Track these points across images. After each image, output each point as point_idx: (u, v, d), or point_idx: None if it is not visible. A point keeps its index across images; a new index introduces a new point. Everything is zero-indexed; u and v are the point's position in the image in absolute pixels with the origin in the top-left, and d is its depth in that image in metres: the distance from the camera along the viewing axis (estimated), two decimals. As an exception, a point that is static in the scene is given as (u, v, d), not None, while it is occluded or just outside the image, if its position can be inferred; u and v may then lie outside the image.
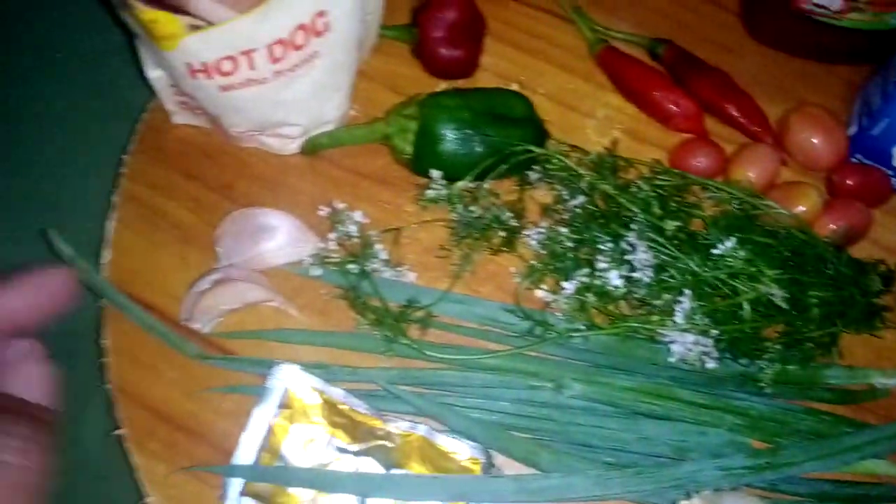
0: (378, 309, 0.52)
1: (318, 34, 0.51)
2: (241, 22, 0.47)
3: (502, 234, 0.56)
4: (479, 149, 0.55)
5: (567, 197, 0.57)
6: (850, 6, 0.60)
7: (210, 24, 0.46)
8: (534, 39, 0.68)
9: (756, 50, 0.68)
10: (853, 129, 0.60)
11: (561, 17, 0.68)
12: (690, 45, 0.67)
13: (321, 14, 0.51)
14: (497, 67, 0.66)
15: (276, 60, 0.50)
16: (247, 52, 0.49)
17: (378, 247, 0.54)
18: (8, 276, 0.34)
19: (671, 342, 0.50)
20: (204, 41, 0.47)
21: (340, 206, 0.54)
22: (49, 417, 0.32)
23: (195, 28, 0.46)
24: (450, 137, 0.55)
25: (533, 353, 0.53)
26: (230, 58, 0.49)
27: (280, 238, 0.55)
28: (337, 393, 0.50)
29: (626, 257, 0.51)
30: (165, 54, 0.48)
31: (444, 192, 0.54)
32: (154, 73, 0.55)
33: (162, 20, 0.45)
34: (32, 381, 0.33)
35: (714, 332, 0.49)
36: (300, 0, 0.49)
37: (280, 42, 0.50)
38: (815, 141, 0.60)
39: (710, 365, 0.48)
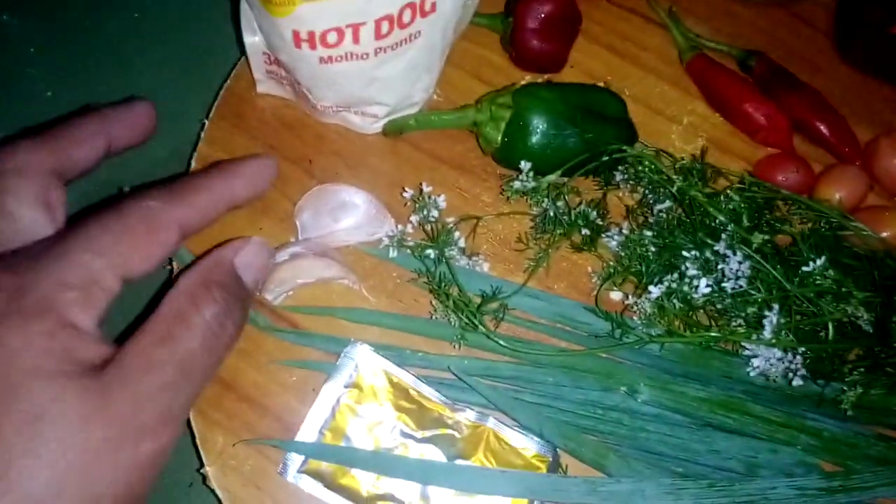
0: (456, 297, 0.51)
1: (425, 14, 0.51)
2: (356, -7, 0.46)
3: (585, 232, 0.55)
4: (571, 144, 0.55)
5: (653, 201, 0.56)
6: (951, 35, 0.59)
7: (326, -7, 0.46)
8: (624, 41, 0.67)
9: (845, 72, 0.67)
10: (943, 160, 0.59)
11: (652, 21, 0.67)
12: (780, 61, 0.66)
13: (432, -8, 0.50)
14: (585, 65, 0.65)
15: (380, 37, 0.50)
16: (355, 26, 0.49)
17: (456, 234, 0.54)
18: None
19: (753, 356, 0.49)
20: (318, 10, 0.46)
21: (427, 188, 0.53)
22: (250, 300, 0.39)
23: (311, -4, 0.46)
24: (543, 130, 0.54)
25: (605, 356, 0.53)
26: (338, 29, 0.49)
27: (359, 216, 0.55)
28: (407, 377, 0.49)
29: (719, 266, 0.50)
30: (276, 20, 0.47)
31: (531, 184, 0.54)
32: (251, 39, 0.54)
33: (281, -13, 0.45)
34: (252, 266, 0.39)
35: (800, 349, 0.48)
36: None
37: (388, 18, 0.49)
38: (904, 167, 0.59)
39: (797, 382, 0.48)
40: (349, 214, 0.55)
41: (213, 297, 0.35)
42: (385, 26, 0.50)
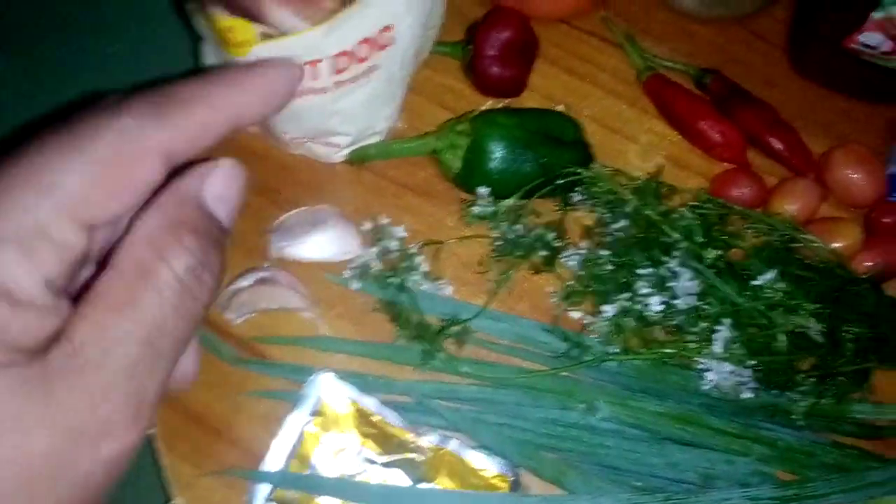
0: (417, 322, 0.53)
1: (382, 47, 0.53)
2: (312, 33, 0.48)
3: (544, 253, 0.56)
4: (528, 168, 0.56)
5: (609, 220, 0.57)
6: (899, 47, 0.60)
7: (283, 34, 0.47)
8: (582, 62, 0.69)
9: (800, 85, 0.69)
10: (892, 169, 0.61)
11: (610, 42, 0.69)
12: (736, 78, 0.68)
13: (387, 28, 0.52)
14: (545, 88, 0.67)
15: (339, 72, 0.52)
16: (312, 63, 0.50)
17: (418, 260, 0.55)
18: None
19: (706, 370, 0.51)
20: (274, 50, 0.48)
21: (384, 221, 0.55)
22: (226, 243, 0.29)
23: (267, 37, 0.47)
24: (500, 155, 0.56)
25: (565, 374, 0.54)
26: (293, 67, 0.50)
27: (331, 232, 0.57)
28: (370, 403, 0.51)
29: (669, 284, 0.51)
30: (235, 59, 0.49)
31: (489, 209, 0.55)
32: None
33: (238, 28, 0.46)
34: (225, 198, 0.29)
35: (751, 362, 0.50)
36: (369, 14, 0.50)
37: (345, 54, 0.51)
38: (855, 178, 0.60)
39: (746, 395, 0.49)
40: (322, 228, 0.57)
41: (184, 244, 0.27)
42: (342, 62, 0.51)
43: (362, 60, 0.52)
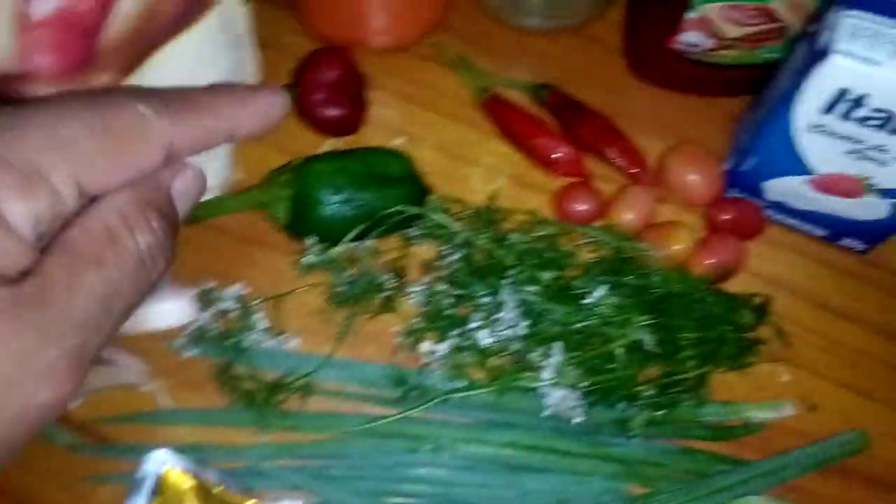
0: (258, 384, 0.52)
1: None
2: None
3: (382, 295, 0.56)
4: (356, 211, 0.56)
5: (447, 252, 0.57)
6: (721, 44, 0.61)
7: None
8: (421, 90, 0.68)
9: (639, 87, 0.69)
10: (728, 165, 0.61)
11: (448, 66, 0.69)
12: (578, 87, 0.68)
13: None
14: (385, 120, 0.66)
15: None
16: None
17: (258, 316, 0.55)
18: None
19: (544, 396, 0.51)
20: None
21: (210, 285, 0.54)
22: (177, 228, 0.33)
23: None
24: (325, 203, 0.55)
25: (417, 414, 0.54)
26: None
27: (166, 299, 0.55)
28: (211, 475, 0.50)
29: (497, 315, 0.51)
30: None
31: (320, 257, 0.55)
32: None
33: None
34: (189, 195, 0.33)
35: (583, 384, 0.50)
36: (157, 81, 0.46)
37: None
38: (691, 178, 0.60)
39: (578, 419, 0.49)
40: (156, 300, 0.55)
41: (151, 224, 0.30)
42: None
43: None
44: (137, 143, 0.29)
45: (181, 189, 0.33)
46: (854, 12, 0.45)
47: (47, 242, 0.27)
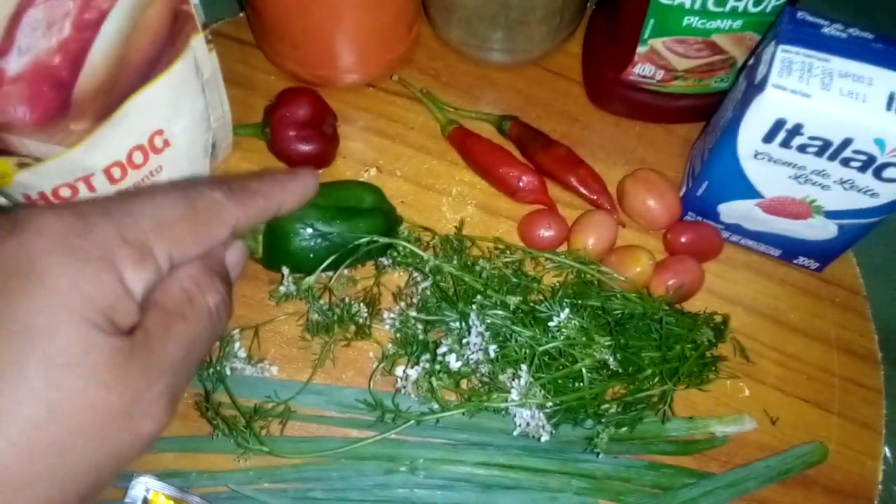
0: (233, 411, 0.54)
1: (158, 151, 0.54)
2: (71, 154, 0.49)
3: (356, 323, 0.58)
4: (329, 243, 0.58)
5: (417, 280, 0.59)
6: (673, 75, 0.64)
7: (39, 160, 0.48)
8: (390, 123, 0.71)
9: (600, 117, 0.72)
10: (684, 190, 0.64)
11: (416, 100, 0.71)
12: (541, 118, 0.71)
13: (158, 132, 0.53)
14: (356, 153, 0.69)
15: (115, 181, 0.53)
16: (84, 178, 0.51)
17: (237, 345, 0.56)
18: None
19: (514, 416, 0.53)
20: (36, 176, 0.49)
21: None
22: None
23: (25, 165, 0.48)
24: (297, 236, 0.57)
25: (394, 436, 0.55)
26: (69, 185, 0.51)
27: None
28: (195, 500, 0.51)
29: (465, 340, 0.53)
30: (2, 189, 0.50)
31: (294, 288, 0.57)
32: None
33: (-7, 163, 0.47)
34: (237, 267, 0.41)
35: (550, 403, 0.52)
36: (130, 126, 0.51)
37: (117, 164, 0.52)
38: (649, 203, 0.63)
39: (545, 438, 0.51)
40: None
41: (216, 286, 0.36)
42: (117, 172, 0.52)
43: (138, 167, 0.53)
44: (214, 224, 0.36)
45: (233, 260, 0.40)
46: (788, 47, 0.48)
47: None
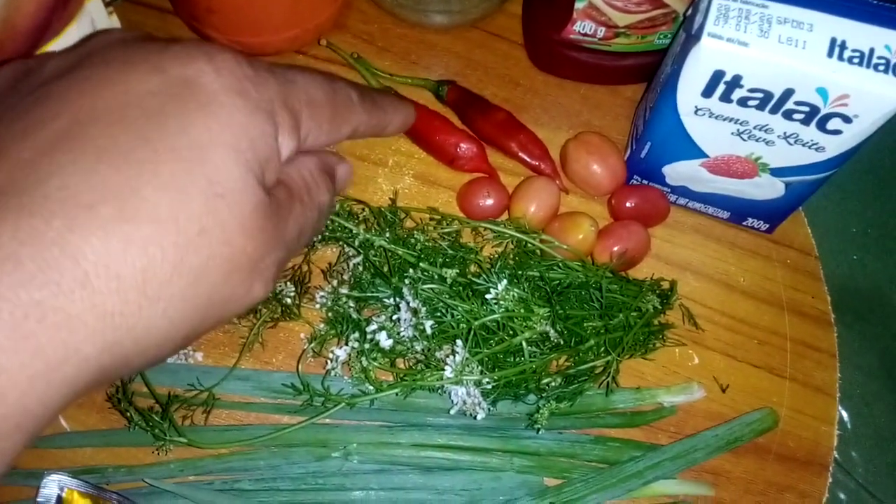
0: (148, 401, 0.50)
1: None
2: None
3: (281, 303, 0.55)
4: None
5: (349, 255, 0.56)
6: (615, 33, 0.61)
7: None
8: (323, 92, 0.67)
9: (543, 80, 0.69)
10: (628, 152, 0.62)
11: (349, 66, 0.68)
12: (481, 82, 0.68)
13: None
14: (286, 125, 0.65)
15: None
16: None
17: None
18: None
19: (449, 394, 0.50)
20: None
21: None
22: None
23: None
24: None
25: (328, 421, 0.53)
26: None
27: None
28: (111, 496, 0.48)
29: (396, 316, 0.51)
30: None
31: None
32: None
33: None
34: (342, 181, 0.40)
35: (486, 380, 0.49)
36: None
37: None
38: (592, 168, 0.61)
39: (481, 416, 0.48)
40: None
41: (328, 186, 0.37)
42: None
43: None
44: (345, 119, 0.36)
45: (342, 175, 0.40)
46: (724, -7, 0.45)
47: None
